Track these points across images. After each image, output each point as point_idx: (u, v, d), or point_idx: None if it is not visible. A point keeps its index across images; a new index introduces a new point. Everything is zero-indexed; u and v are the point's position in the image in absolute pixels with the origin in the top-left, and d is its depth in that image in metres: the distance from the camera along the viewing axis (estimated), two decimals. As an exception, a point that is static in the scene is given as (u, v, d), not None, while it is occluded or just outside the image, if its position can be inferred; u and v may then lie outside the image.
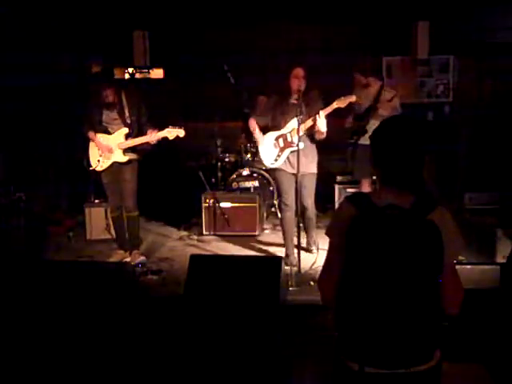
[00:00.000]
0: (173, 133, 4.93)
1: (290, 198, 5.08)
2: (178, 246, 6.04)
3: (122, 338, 3.57)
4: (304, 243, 5.40)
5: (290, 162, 5.04)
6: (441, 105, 7.48)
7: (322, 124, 4.83)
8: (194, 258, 3.98)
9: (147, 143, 5.03)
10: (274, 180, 5.87)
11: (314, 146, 5.13)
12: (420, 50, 7.08)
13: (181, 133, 4.95)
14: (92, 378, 3.38)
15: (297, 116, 4.70)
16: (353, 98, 4.94)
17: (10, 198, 5.71)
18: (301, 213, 5.12)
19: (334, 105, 4.85)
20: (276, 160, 5.11)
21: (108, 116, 5.07)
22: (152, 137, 4.96)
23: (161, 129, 4.96)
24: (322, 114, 4.82)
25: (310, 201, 5.18)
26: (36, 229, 5.96)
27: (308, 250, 5.44)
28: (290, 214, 5.11)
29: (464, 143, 7.07)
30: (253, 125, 5.16)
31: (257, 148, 5.38)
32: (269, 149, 5.14)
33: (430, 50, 7.07)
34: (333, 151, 7.25)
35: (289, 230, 5.17)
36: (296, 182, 4.95)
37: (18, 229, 5.67)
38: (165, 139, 4.98)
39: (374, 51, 6.98)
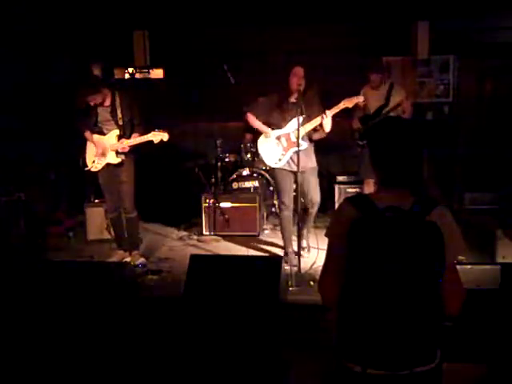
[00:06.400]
0: (157, 136, 4.94)
1: (288, 197, 5.09)
2: (177, 245, 6.04)
3: (121, 337, 3.57)
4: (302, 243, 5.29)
5: (292, 161, 5.00)
6: (441, 105, 7.48)
7: (327, 123, 4.83)
8: (194, 257, 3.98)
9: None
10: (272, 179, 5.82)
11: (312, 144, 5.13)
12: (420, 50, 7.06)
13: (165, 136, 4.96)
14: (92, 378, 3.38)
15: (297, 116, 4.68)
16: (361, 99, 4.94)
17: (10, 198, 5.71)
18: (305, 209, 5.10)
19: (342, 105, 4.83)
20: (280, 160, 5.06)
21: (102, 117, 5.07)
22: (138, 140, 4.98)
23: (150, 131, 4.97)
24: (329, 113, 4.79)
25: (315, 195, 5.07)
26: (36, 229, 5.96)
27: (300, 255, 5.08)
28: (288, 213, 5.12)
29: (464, 143, 7.07)
30: (252, 119, 5.11)
31: (257, 148, 5.31)
32: (272, 148, 5.10)
33: (430, 50, 7.07)
34: (333, 151, 7.26)
35: (287, 228, 5.18)
36: (296, 181, 4.94)
37: (17, 229, 5.67)
38: (150, 142, 4.98)
39: (374, 51, 6.97)
